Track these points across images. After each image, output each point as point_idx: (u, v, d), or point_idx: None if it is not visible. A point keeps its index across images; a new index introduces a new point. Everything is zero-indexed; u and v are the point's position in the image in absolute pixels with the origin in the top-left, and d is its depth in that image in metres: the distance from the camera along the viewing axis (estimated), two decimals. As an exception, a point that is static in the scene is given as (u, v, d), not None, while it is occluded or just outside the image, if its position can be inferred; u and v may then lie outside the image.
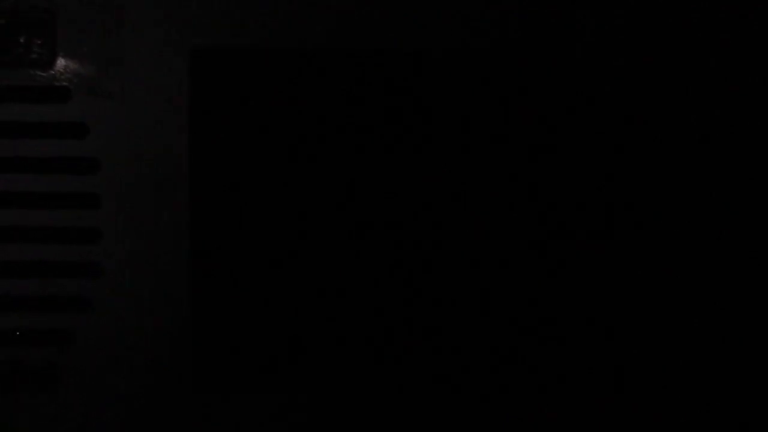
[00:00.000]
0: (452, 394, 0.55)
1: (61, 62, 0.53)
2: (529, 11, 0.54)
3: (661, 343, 0.56)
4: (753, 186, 0.55)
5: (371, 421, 0.55)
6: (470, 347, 0.55)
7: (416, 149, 0.54)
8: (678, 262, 0.55)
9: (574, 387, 0.56)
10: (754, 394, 0.56)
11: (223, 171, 0.54)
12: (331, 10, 0.54)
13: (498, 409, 0.55)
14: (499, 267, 0.55)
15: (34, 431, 0.54)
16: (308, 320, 0.55)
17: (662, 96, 0.55)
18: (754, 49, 0.54)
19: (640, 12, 0.54)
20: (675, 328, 0.56)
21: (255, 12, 0.54)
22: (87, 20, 0.53)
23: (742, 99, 0.55)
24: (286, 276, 0.55)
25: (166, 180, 0.54)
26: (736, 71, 0.55)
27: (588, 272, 0.55)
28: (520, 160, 0.55)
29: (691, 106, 0.55)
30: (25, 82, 0.53)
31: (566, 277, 0.55)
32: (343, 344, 0.55)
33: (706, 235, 0.55)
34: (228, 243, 0.55)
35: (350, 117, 0.54)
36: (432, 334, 0.55)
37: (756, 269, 0.55)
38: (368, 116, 0.54)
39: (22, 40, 0.53)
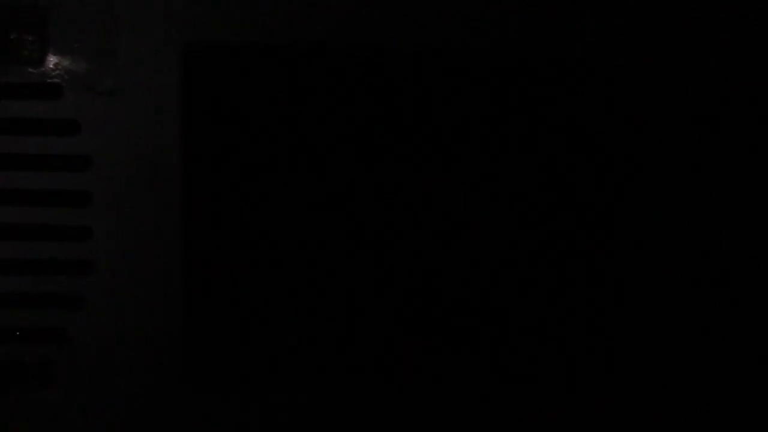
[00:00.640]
0: (452, 394, 0.55)
1: (52, 59, 0.52)
2: (529, 11, 0.53)
3: (661, 343, 0.56)
4: (753, 186, 0.55)
5: (371, 421, 0.55)
6: (470, 347, 0.55)
7: (415, 148, 0.54)
8: (678, 262, 0.55)
9: (573, 387, 0.56)
10: (754, 394, 0.56)
11: (215, 168, 0.54)
12: (327, 8, 0.53)
13: (498, 409, 0.55)
14: (499, 267, 0.55)
15: (30, 429, 0.54)
16: (306, 319, 0.55)
17: (662, 96, 0.54)
18: (754, 49, 0.54)
19: (640, 12, 0.54)
20: (675, 328, 0.56)
21: (249, 8, 0.53)
22: (79, 17, 0.52)
23: (742, 99, 0.55)
24: (282, 273, 0.55)
25: (158, 177, 0.53)
26: (736, 71, 0.54)
27: (588, 272, 0.55)
28: (520, 160, 0.54)
29: (691, 106, 0.55)
30: (17, 79, 0.53)
31: (566, 277, 0.55)
32: (342, 344, 0.55)
33: (706, 235, 0.55)
34: (221, 238, 0.54)
35: (347, 115, 0.54)
36: (432, 334, 0.55)
37: (756, 269, 0.55)
38: (365, 114, 0.54)
39: (13, 37, 0.52)
